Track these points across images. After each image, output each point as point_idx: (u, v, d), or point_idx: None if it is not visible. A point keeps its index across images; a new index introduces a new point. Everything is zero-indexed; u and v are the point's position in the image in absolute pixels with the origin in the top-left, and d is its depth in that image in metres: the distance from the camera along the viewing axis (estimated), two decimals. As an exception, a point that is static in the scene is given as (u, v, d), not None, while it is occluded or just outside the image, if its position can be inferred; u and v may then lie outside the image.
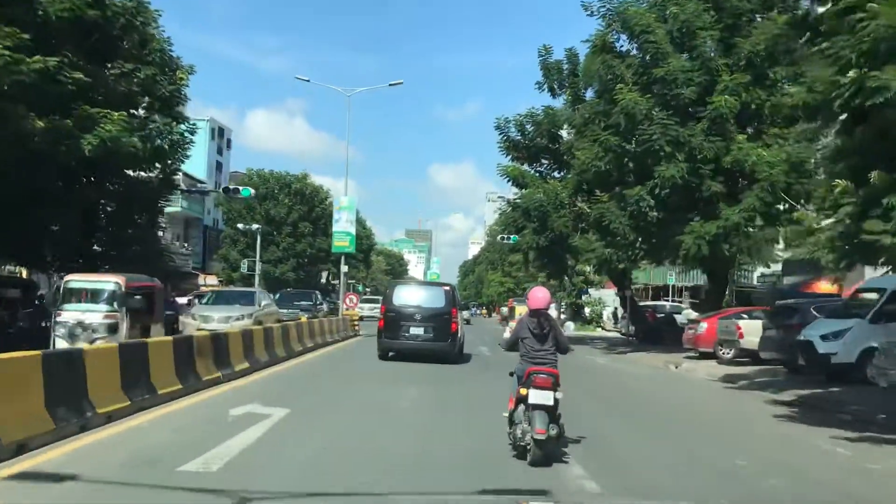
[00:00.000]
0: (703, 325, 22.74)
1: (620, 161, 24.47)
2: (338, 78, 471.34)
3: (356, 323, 30.61)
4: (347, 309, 33.12)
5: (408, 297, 19.08)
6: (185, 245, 59.30)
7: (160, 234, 31.04)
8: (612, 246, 25.21)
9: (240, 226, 53.00)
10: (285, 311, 28.16)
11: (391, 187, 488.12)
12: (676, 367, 21.61)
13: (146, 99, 24.51)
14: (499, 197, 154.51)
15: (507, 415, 7.73)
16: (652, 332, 30.81)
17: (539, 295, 7.81)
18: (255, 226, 46.61)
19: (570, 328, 34.09)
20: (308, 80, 34.55)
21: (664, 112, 22.89)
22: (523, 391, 7.27)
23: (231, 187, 31.56)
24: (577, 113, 28.96)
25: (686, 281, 46.52)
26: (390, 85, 34.86)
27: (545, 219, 29.59)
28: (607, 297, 51.54)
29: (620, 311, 40.34)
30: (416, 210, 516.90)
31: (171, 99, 25.82)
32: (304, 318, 25.18)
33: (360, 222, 77.89)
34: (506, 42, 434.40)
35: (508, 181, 31.25)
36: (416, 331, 18.40)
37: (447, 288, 19.90)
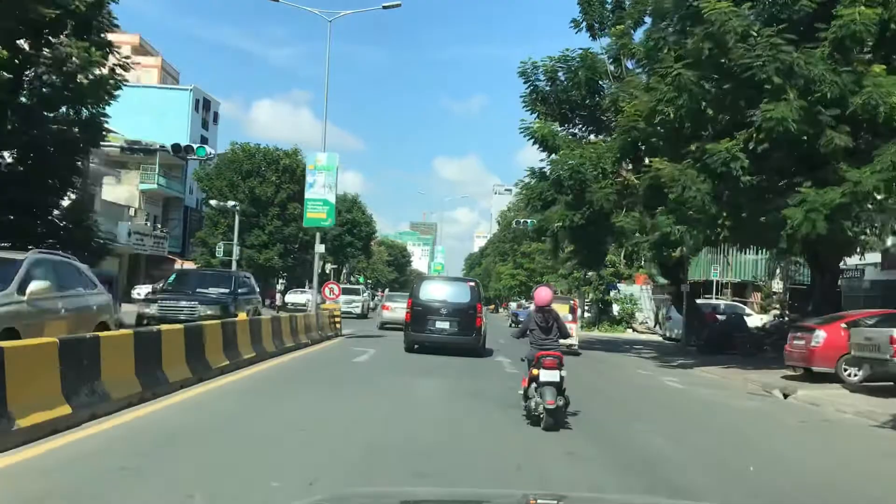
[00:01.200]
0: (821, 335, 15.78)
1: (697, 105, 17.55)
2: (345, 71, 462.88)
3: (337, 319, 23.81)
4: (326, 302, 26.21)
5: (434, 291, 19.49)
6: (159, 227, 52.45)
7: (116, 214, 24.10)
8: (684, 222, 18.22)
9: (213, 202, 46.12)
10: (170, 303, 17.08)
11: (396, 180, 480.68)
12: (787, 396, 14.71)
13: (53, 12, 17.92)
14: (506, 190, 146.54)
15: (521, 392, 9.31)
16: (717, 338, 23.88)
17: (543, 294, 9.49)
18: (230, 203, 39.73)
19: (572, 332, 26.70)
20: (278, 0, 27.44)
21: (769, 29, 15.95)
22: (535, 371, 8.79)
23: (184, 145, 24.55)
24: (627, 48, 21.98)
25: (730, 276, 39.53)
26: (384, 7, 27.63)
27: (583, 190, 22.68)
28: (634, 293, 44.85)
29: (665, 311, 33.44)
30: (420, 204, 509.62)
31: (88, 16, 19.11)
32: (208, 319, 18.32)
33: (358, 206, 71.14)
34: (513, 36, 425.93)
35: (533, 142, 24.26)
36: (442, 325, 18.67)
37: (472, 284, 20.52)
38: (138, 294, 43.56)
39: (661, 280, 40.38)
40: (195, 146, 24.59)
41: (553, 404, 8.38)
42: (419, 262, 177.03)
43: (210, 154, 24.87)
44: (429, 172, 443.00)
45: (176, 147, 24.23)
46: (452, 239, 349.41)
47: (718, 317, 26.29)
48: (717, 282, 38.85)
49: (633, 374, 18.87)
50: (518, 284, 59.78)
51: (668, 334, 30.08)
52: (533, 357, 8.93)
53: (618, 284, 39.26)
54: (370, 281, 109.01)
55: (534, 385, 8.79)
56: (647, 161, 22.27)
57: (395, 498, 3.16)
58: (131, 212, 50.12)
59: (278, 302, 49.66)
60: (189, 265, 52.13)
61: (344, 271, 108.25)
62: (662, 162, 19.37)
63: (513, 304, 60.91)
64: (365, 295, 51.38)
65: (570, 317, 22.24)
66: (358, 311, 41.62)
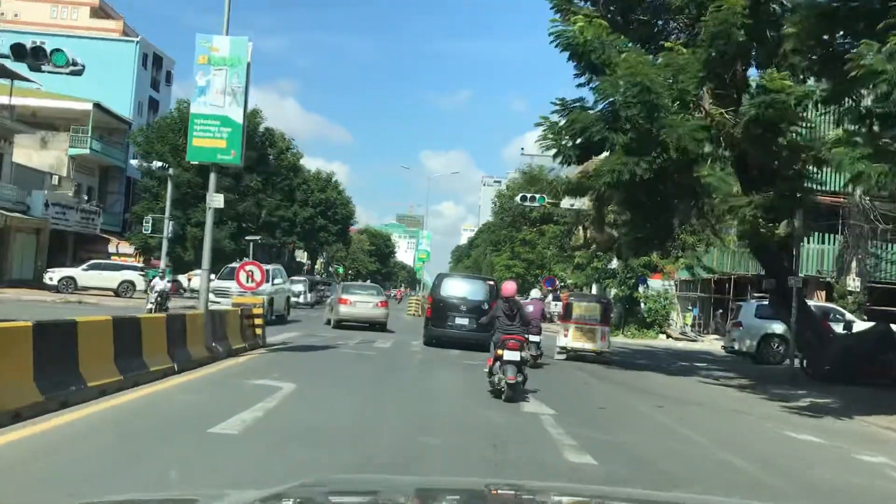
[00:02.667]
0: None
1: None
2: (333, 60, 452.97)
3: (258, 322, 14.95)
4: (242, 293, 17.31)
5: (453, 289, 19.82)
6: (86, 198, 43.24)
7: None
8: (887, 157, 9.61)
9: (133, 162, 37.19)
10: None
11: (382, 173, 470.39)
12: None
13: None
14: (495, 181, 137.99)
15: (486, 370, 10.59)
16: (853, 360, 15.29)
17: (509, 286, 11.36)
18: (156, 164, 30.86)
19: (603, 338, 18.48)
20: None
21: None
22: (499, 352, 10.06)
23: (31, 47, 15.56)
24: None
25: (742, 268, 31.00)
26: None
27: (653, 121, 14.03)
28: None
29: (731, 315, 24.81)
30: (407, 196, 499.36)
31: None
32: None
33: (334, 186, 62.15)
34: (501, 30, 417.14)
35: (570, 56, 15.55)
36: (462, 321, 18.92)
37: (491, 282, 21.15)
38: (50, 279, 34.65)
39: (703, 274, 31.89)
40: (50, 49, 15.62)
41: (514, 379, 9.90)
42: (405, 255, 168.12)
43: (74, 63, 15.63)
44: (416, 166, 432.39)
45: (18, 49, 15.31)
46: (438, 233, 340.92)
47: (832, 325, 17.77)
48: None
49: (755, 428, 10.38)
50: (514, 277, 51.21)
51: (737, 346, 21.56)
52: (499, 340, 10.25)
53: (647, 278, 30.74)
54: (350, 272, 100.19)
55: (498, 363, 10.16)
56: (754, 80, 13.76)
57: (373, 484, 3.11)
58: (54, 180, 40.99)
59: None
60: (125, 247, 43.20)
61: (320, 261, 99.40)
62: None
63: (553, 304, 52.37)
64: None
65: (598, 318, 18.84)
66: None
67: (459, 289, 19.70)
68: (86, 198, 42.02)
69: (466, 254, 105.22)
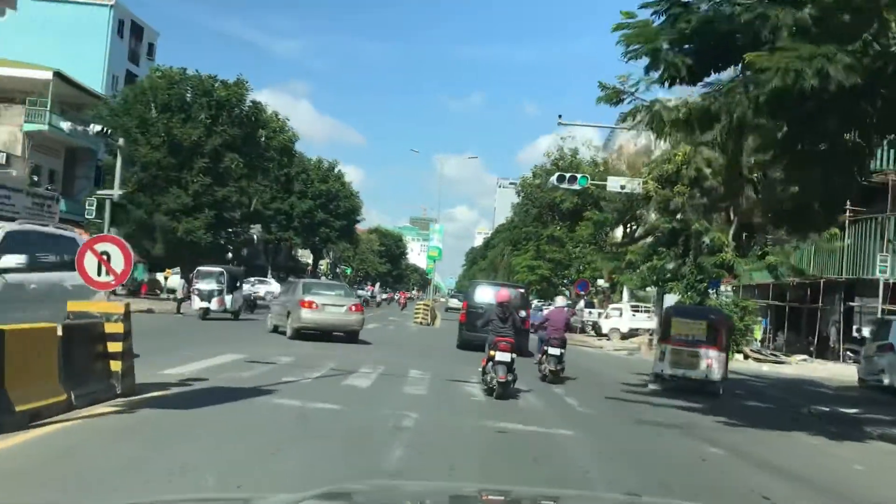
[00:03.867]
0: None
1: None
2: (347, 63, 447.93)
3: (114, 346, 7.98)
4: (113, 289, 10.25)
5: (486, 295, 19.59)
6: (49, 183, 36.73)
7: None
8: None
9: (65, 125, 30.60)
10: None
11: (395, 176, 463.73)
12: None
13: None
14: (510, 183, 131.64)
15: (480, 369, 11.32)
16: None
17: (503, 293, 13.02)
18: (94, 128, 24.30)
19: (714, 363, 12.03)
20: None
21: None
22: (492, 353, 10.83)
23: None
24: None
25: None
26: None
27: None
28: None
29: (882, 333, 17.66)
30: (420, 199, 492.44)
31: None
32: None
33: (337, 177, 55.46)
34: (514, 35, 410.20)
35: None
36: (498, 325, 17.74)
37: (521, 290, 21.76)
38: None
39: (785, 276, 24.87)
40: None
41: (504, 378, 10.60)
42: (418, 259, 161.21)
43: None
44: (429, 169, 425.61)
45: None
46: (451, 237, 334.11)
47: None
48: (886, 283, 23.29)
49: None
50: (538, 280, 44.27)
51: (886, 381, 14.54)
52: (492, 342, 11.05)
53: (720, 283, 23.66)
54: (360, 274, 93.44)
55: (490, 363, 10.84)
56: None
57: (394, 492, 3.12)
58: (1, 159, 34.50)
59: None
60: (86, 236, 36.49)
61: (327, 261, 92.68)
62: None
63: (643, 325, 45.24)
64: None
65: (705, 338, 13.49)
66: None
67: (492, 295, 18.44)
68: (36, 178, 35.36)
69: (482, 255, 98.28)
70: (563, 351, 13.51)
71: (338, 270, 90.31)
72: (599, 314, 35.82)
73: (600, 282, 38.94)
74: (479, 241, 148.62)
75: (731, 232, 23.75)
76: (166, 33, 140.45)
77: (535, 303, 62.23)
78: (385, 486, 3.55)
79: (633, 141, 29.87)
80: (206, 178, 33.84)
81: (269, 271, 54.21)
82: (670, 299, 25.37)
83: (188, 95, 34.58)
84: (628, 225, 37.51)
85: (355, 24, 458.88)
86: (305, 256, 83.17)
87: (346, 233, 64.36)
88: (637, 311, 34.92)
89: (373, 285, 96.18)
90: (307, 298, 17.94)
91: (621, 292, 49.59)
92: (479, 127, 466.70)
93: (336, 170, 54.62)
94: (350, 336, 18.60)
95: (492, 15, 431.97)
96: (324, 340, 17.90)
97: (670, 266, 23.81)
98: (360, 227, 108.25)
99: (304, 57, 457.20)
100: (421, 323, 31.26)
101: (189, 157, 34.05)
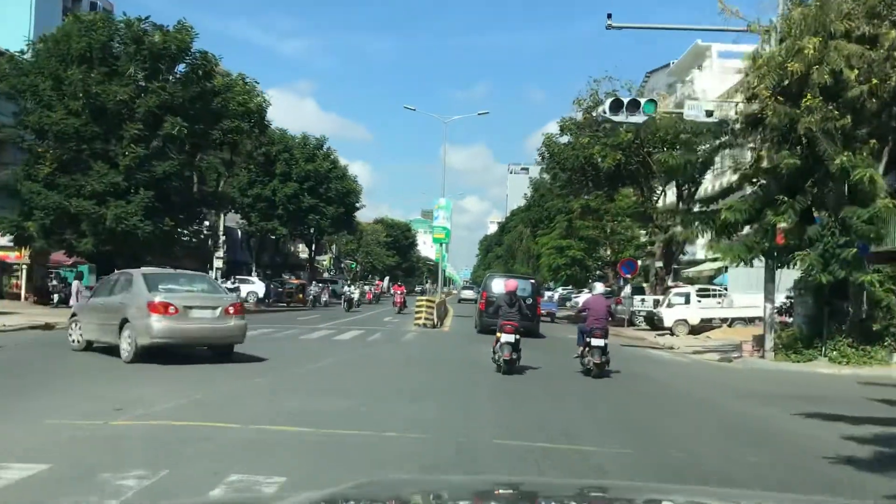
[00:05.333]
0: None
1: None
2: (354, 59, 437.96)
3: None
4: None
5: (501, 286, 20.14)
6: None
7: None
8: None
9: None
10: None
11: (404, 170, 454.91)
12: None
13: None
14: (522, 169, 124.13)
15: (491, 348, 12.82)
16: None
17: (511, 282, 14.12)
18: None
19: None
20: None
21: None
22: (499, 335, 12.36)
23: None
24: None
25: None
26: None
27: None
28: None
29: None
30: (431, 193, 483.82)
31: None
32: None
33: (326, 155, 47.32)
34: (517, 22, 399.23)
35: None
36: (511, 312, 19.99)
37: (533, 281, 25.05)
38: None
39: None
40: None
41: (509, 356, 11.99)
42: (430, 250, 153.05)
43: None
44: (436, 161, 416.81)
45: None
46: (463, 228, 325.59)
47: None
48: None
49: None
50: (568, 263, 35.99)
51: None
52: (499, 325, 12.52)
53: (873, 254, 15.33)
54: (366, 268, 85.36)
55: (498, 343, 12.26)
56: None
57: (428, 485, 2.83)
58: None
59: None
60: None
61: (329, 255, 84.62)
62: None
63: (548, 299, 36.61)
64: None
65: None
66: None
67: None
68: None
69: (497, 242, 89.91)
70: (607, 342, 12.53)
71: (342, 265, 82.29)
72: (657, 302, 27.49)
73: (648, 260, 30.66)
74: (492, 230, 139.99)
75: (881, 169, 15.47)
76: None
77: (559, 291, 53.69)
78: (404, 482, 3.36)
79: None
80: (139, 149, 25.77)
81: (254, 268, 46.24)
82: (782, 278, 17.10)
83: (115, 45, 26.51)
84: (684, 187, 29.11)
85: (359, 21, 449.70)
86: (305, 253, 75.18)
87: (344, 222, 56.20)
88: (705, 295, 26.58)
89: (381, 280, 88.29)
90: (158, 299, 10.47)
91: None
92: (486, 116, 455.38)
93: (325, 147, 46.31)
94: (223, 351, 12.07)
95: (494, 1, 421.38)
96: (185, 362, 10.23)
97: (786, 226, 15.45)
98: (365, 219, 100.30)
99: (309, 55, 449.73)
100: (424, 325, 23.11)
101: (117, 123, 25.98)
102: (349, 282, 28.97)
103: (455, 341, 19.80)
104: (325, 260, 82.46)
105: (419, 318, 23.33)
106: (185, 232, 29.59)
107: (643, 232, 34.83)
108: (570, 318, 31.93)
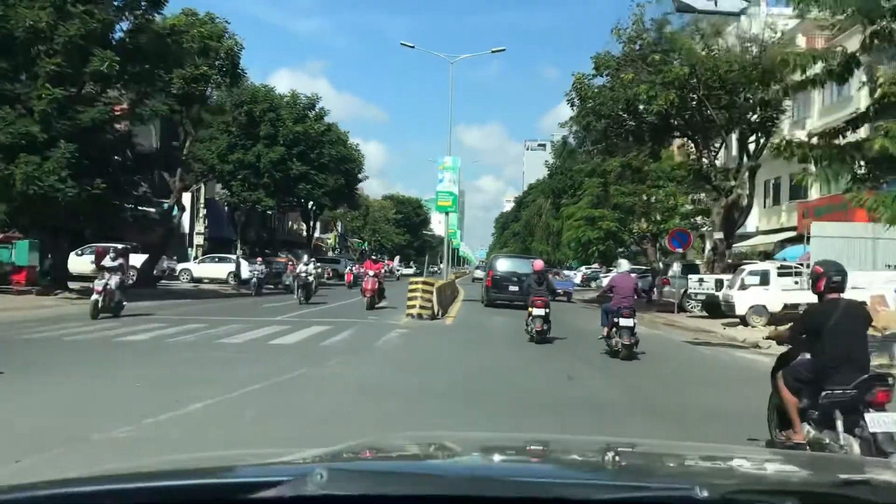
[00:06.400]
0: None
1: None
2: (368, 39, 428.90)
3: None
4: None
5: (507, 266, 25.42)
6: None
7: None
8: None
9: None
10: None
11: (419, 150, 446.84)
12: None
13: None
14: (539, 145, 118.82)
15: (525, 322, 14.05)
16: None
17: (538, 263, 15.55)
18: None
19: None
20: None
21: None
22: (531, 309, 13.64)
23: None
24: None
25: None
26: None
27: None
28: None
29: None
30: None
31: None
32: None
33: (317, 116, 41.40)
34: (534, 1, 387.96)
35: None
36: (513, 289, 23.63)
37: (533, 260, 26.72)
38: None
39: None
40: None
41: (540, 328, 13.33)
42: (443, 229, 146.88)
43: None
44: (454, 141, 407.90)
45: None
46: (478, 209, 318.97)
47: None
48: None
49: None
50: (601, 237, 29.89)
51: None
52: (530, 300, 13.84)
53: None
54: (369, 246, 79.41)
55: (530, 317, 13.59)
56: None
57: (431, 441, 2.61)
58: None
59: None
60: None
61: (334, 233, 78.77)
62: None
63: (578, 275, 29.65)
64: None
65: None
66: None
67: (510, 265, 25.39)
68: None
69: (514, 218, 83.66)
70: (635, 321, 11.81)
71: (348, 243, 76.48)
72: (720, 283, 21.36)
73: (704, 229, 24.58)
74: (508, 209, 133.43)
75: None
76: None
77: (583, 270, 47.52)
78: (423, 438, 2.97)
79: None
80: (58, 90, 19.95)
81: (238, 245, 40.57)
82: None
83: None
84: (751, 139, 22.87)
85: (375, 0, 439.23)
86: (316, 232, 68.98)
87: (343, 194, 50.32)
88: (786, 273, 20.44)
89: (391, 259, 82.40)
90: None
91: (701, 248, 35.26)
92: (500, 94, 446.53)
93: (318, 107, 40.28)
94: None
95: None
96: None
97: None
98: (376, 197, 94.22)
99: (323, 34, 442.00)
100: (419, 315, 17.13)
101: (30, 58, 20.20)
102: (306, 259, 22.16)
103: (459, 342, 13.94)
104: (329, 238, 76.73)
105: (412, 306, 17.37)
106: (130, 201, 23.73)
107: (689, 198, 28.66)
108: (594, 300, 26.30)
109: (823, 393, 4.76)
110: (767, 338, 6.41)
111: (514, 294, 23.14)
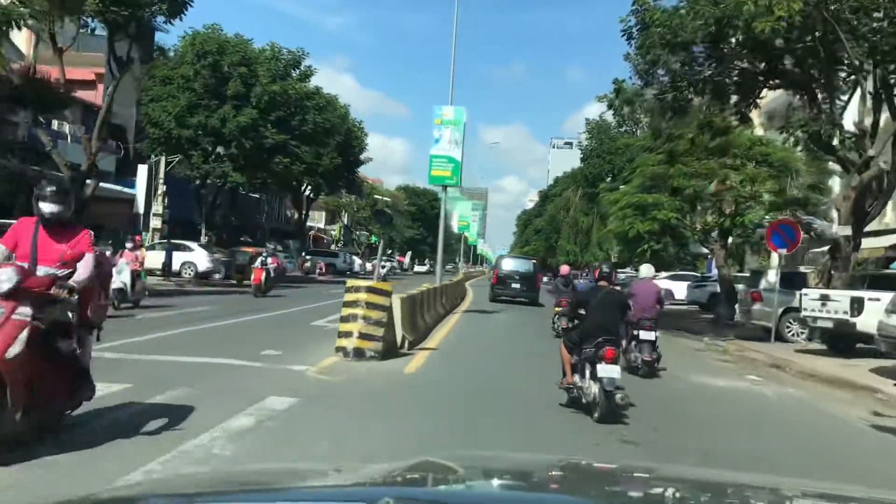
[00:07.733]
0: None
1: None
2: (393, 36, 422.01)
3: None
4: None
5: (510, 265, 27.70)
6: None
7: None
8: None
9: None
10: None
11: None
12: None
13: None
14: (565, 143, 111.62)
15: (552, 320, 15.20)
16: None
17: (563, 268, 17.95)
18: None
19: None
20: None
21: None
22: (556, 309, 14.68)
23: None
24: None
25: None
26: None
27: None
28: None
29: None
30: (469, 168, 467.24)
31: None
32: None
33: (302, 75, 33.89)
34: (561, 2, 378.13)
35: None
36: (516, 286, 26.14)
37: (534, 260, 30.26)
38: None
39: None
40: None
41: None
42: (470, 231, 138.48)
43: None
44: (474, 140, 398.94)
45: None
46: (500, 208, 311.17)
47: None
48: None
49: None
50: (657, 231, 21.99)
51: None
52: (557, 301, 15.19)
53: None
54: (377, 241, 71.64)
55: (557, 315, 14.31)
56: None
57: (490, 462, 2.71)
58: None
59: None
60: None
61: (339, 225, 71.34)
62: None
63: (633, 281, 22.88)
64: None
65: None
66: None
67: (514, 265, 27.70)
68: None
69: (538, 214, 75.51)
70: (657, 335, 10.71)
71: (354, 236, 68.95)
72: (855, 304, 13.44)
73: (822, 225, 16.64)
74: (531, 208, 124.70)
75: None
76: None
77: (627, 271, 39.07)
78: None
79: None
80: None
81: (203, 230, 33.23)
82: None
83: None
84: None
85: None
86: (317, 222, 61.22)
87: (346, 176, 42.88)
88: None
89: (402, 255, 74.82)
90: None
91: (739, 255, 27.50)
92: (523, 94, 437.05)
93: (303, 66, 32.80)
94: None
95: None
96: None
97: None
98: (390, 187, 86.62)
99: (352, 31, 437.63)
100: (357, 351, 9.29)
101: None
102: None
103: (400, 435, 6.28)
104: (333, 230, 69.30)
105: (346, 334, 9.47)
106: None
107: (776, 183, 20.62)
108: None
109: (581, 351, 7.27)
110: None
111: (515, 290, 26.13)
